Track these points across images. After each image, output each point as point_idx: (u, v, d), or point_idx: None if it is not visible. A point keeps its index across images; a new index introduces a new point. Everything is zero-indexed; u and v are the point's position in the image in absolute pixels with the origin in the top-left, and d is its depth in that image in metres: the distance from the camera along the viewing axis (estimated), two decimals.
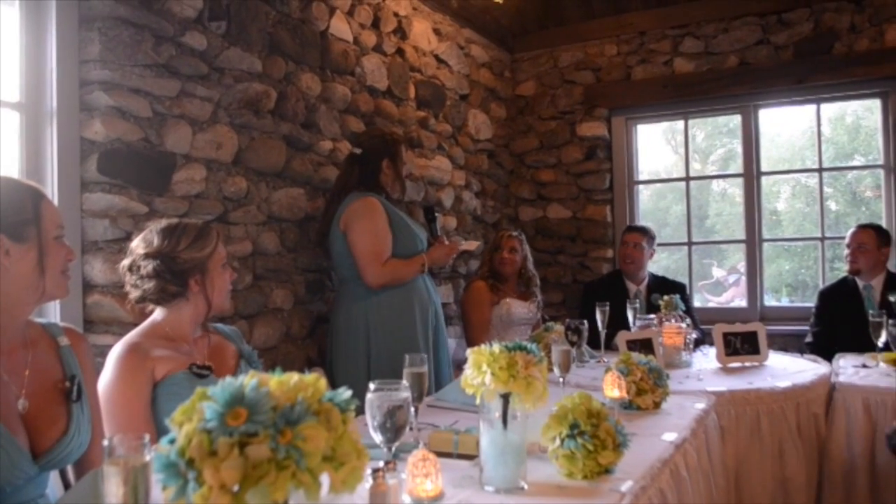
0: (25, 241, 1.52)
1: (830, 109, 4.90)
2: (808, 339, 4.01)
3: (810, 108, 4.85)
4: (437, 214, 3.44)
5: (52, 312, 2.36)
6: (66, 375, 1.63)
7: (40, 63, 2.43)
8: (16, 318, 1.55)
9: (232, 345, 2.19)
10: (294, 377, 0.91)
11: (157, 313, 2.06)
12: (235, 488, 0.84)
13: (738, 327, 3.24)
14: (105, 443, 1.03)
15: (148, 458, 1.04)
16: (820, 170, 4.84)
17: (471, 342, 3.89)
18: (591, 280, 4.86)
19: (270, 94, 3.13)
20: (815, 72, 4.53)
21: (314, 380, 0.91)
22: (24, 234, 1.52)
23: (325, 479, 0.90)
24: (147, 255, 2.01)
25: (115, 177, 2.49)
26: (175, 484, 0.85)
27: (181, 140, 2.72)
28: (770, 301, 5.05)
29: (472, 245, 3.51)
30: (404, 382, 1.53)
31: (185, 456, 0.84)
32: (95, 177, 2.45)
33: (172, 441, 0.88)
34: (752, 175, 4.86)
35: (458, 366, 3.96)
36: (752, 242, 4.85)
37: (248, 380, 0.88)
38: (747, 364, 3.17)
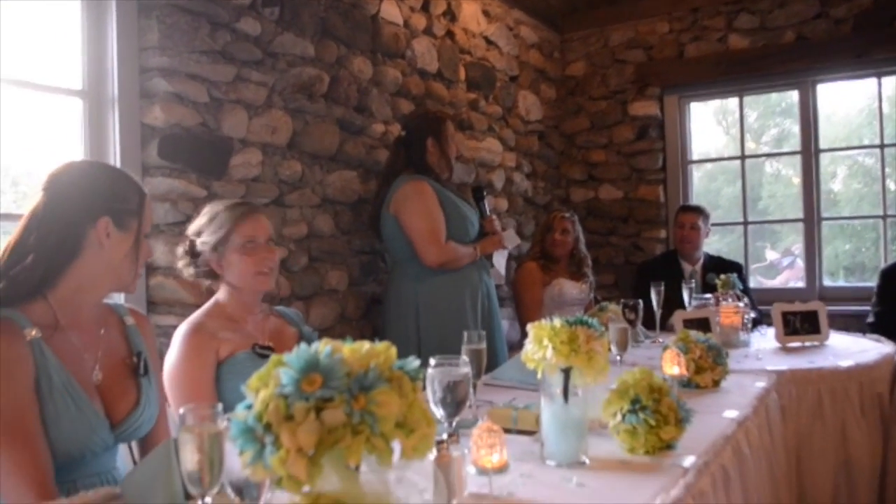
0: (125, 230, 1.60)
1: (888, 86, 4.71)
2: (870, 318, 3.89)
3: (868, 84, 4.69)
4: (485, 194, 3.41)
5: (117, 294, 2.43)
6: (133, 352, 1.68)
7: (101, 51, 2.49)
8: (95, 296, 1.62)
9: (292, 327, 2.23)
10: (365, 345, 0.92)
11: (220, 293, 2.11)
12: (311, 452, 0.85)
13: (798, 306, 3.16)
14: (180, 411, 1.05)
15: (222, 426, 1.06)
16: (882, 146, 4.67)
17: (523, 321, 3.88)
18: (646, 260, 4.80)
19: (323, 78, 3.15)
20: (875, 45, 4.37)
21: (385, 348, 0.92)
22: (127, 224, 1.60)
23: (395, 447, 0.91)
24: (186, 236, 2.12)
25: (175, 161, 2.54)
26: (252, 448, 0.87)
27: (238, 125, 2.76)
28: (828, 282, 4.91)
29: (515, 240, 3.50)
30: (464, 358, 1.53)
31: (262, 421, 0.86)
32: (156, 161, 2.51)
33: (249, 407, 0.89)
34: (810, 152, 4.73)
35: (512, 346, 3.99)
36: (811, 221, 4.72)
37: (323, 347, 0.89)
38: (807, 343, 3.10)
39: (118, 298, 2.39)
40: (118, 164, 2.46)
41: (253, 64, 2.84)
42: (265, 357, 2.01)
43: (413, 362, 0.96)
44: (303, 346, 0.90)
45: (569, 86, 5.34)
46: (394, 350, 0.95)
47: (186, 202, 2.57)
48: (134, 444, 1.72)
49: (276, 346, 2.07)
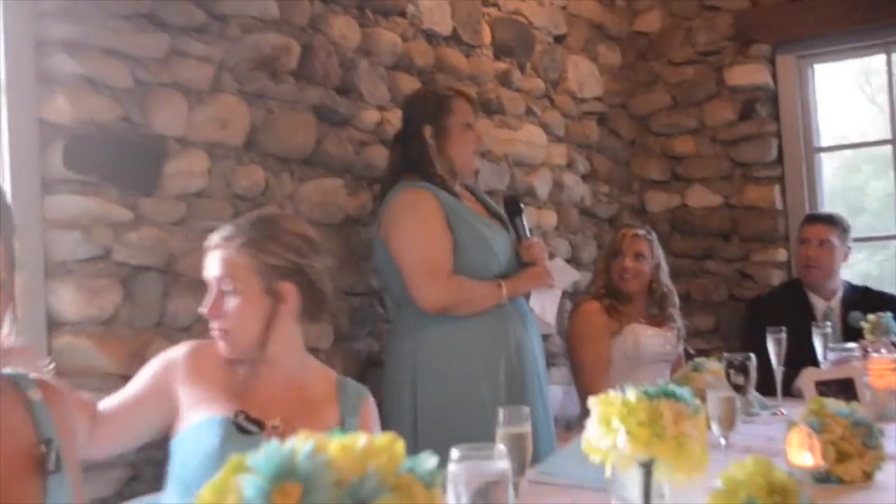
0: None
1: None
2: None
3: None
4: (522, 207, 3.41)
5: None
6: (41, 438, 1.69)
7: None
8: None
9: (338, 406, 2.29)
10: (361, 439, 0.93)
11: None
12: None
13: None
14: None
15: None
16: None
17: (584, 389, 3.85)
18: (759, 295, 4.77)
19: (292, 48, 3.19)
20: None
21: (389, 442, 0.93)
22: None
23: None
24: None
25: (86, 172, 2.56)
26: None
27: (173, 117, 2.80)
28: None
29: (569, 275, 3.47)
30: (500, 446, 1.54)
31: None
32: (61, 173, 2.53)
33: None
34: None
35: (567, 425, 3.95)
36: None
37: (301, 443, 0.91)
38: None
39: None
40: (5, 176, 2.49)
41: (193, 31, 2.87)
42: (248, 434, 2.06)
43: (428, 460, 0.97)
44: (273, 443, 0.92)
45: (639, 47, 5.37)
46: (401, 444, 0.96)
47: (104, 229, 2.58)
48: None
49: (290, 427, 2.10)
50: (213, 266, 2.18)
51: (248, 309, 2.16)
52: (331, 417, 2.24)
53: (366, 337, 3.47)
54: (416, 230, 3.09)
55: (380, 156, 3.49)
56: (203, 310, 2.20)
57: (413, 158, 3.22)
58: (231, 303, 2.16)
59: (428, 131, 3.21)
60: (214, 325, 2.19)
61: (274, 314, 2.19)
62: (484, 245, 3.17)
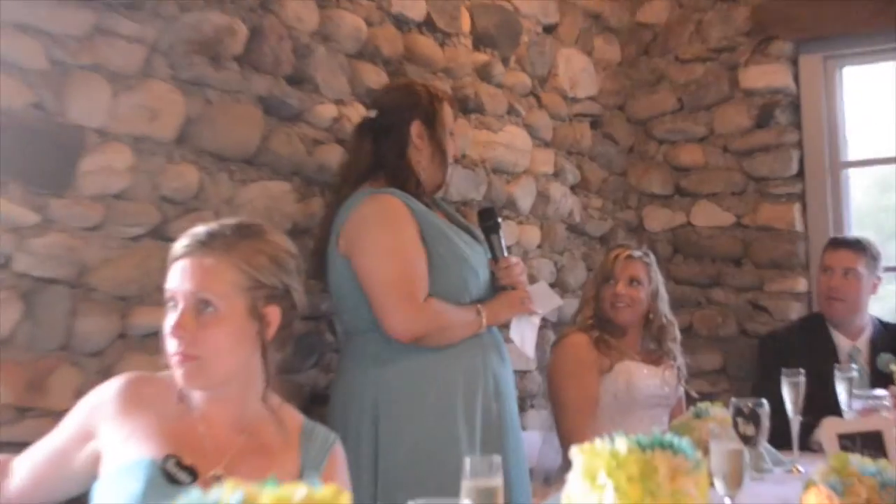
0: None
1: None
2: None
3: None
4: (499, 220, 3.42)
5: None
6: None
7: None
8: None
9: (298, 459, 2.24)
10: (300, 490, 0.92)
11: None
12: None
13: None
14: None
15: None
16: None
17: (566, 436, 3.85)
18: (773, 331, 4.82)
19: (237, 29, 3.19)
20: None
21: (332, 494, 0.92)
22: None
23: None
24: None
25: None
26: None
27: (94, 105, 2.78)
28: None
29: (552, 302, 3.48)
30: (466, 502, 1.53)
31: None
32: None
33: None
34: None
35: (546, 478, 3.95)
36: None
37: (228, 493, 0.89)
38: None
39: None
40: None
41: (122, 7, 2.85)
42: (177, 484, 2.02)
43: None
44: (194, 493, 0.90)
45: (642, 40, 5.43)
46: (346, 497, 0.95)
47: (4, 234, 2.54)
48: None
49: (232, 474, 2.06)
50: (184, 276, 2.08)
51: (229, 332, 2.09)
52: (289, 470, 2.18)
53: (311, 369, 3.45)
54: (388, 245, 3.07)
55: (336, 156, 3.49)
56: (167, 329, 2.09)
57: (387, 158, 3.21)
58: (207, 323, 2.07)
59: (415, 129, 3.22)
60: (179, 349, 2.07)
61: (259, 342, 2.14)
62: (463, 263, 3.17)
